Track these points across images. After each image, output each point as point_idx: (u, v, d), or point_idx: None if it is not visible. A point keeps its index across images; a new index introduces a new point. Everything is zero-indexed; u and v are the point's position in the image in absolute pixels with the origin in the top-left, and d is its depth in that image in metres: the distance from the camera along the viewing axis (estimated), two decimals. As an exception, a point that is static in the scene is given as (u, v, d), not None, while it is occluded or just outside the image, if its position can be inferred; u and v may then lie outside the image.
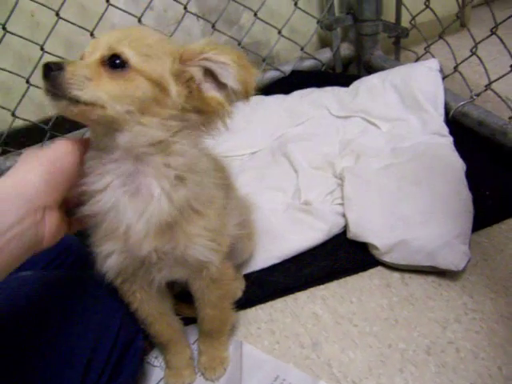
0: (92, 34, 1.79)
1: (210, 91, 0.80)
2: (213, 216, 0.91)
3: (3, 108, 1.79)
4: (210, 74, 0.79)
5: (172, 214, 0.84)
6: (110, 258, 0.90)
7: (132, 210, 0.83)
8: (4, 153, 1.88)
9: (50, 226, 0.76)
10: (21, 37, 1.70)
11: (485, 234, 1.39)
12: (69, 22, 1.74)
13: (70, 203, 0.84)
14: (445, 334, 1.16)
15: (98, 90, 0.73)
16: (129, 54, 0.75)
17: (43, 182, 0.74)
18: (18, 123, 1.84)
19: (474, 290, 1.24)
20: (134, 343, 1.07)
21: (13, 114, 1.80)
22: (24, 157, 0.79)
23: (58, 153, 0.78)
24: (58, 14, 1.73)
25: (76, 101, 0.73)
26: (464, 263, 1.26)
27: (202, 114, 0.82)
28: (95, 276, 0.94)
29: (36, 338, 0.90)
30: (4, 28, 1.68)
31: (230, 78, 0.77)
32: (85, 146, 0.82)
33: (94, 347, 0.97)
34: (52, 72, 0.72)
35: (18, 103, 1.78)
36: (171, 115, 0.79)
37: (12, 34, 1.68)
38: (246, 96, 0.80)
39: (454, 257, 1.26)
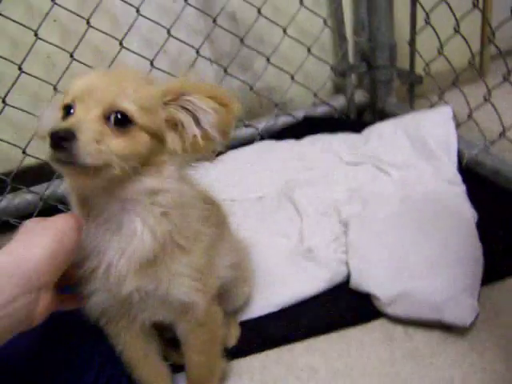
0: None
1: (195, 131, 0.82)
2: (198, 253, 0.89)
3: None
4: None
5: (155, 250, 0.83)
6: (91, 298, 0.87)
7: (113, 249, 0.82)
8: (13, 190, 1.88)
9: (44, 305, 0.73)
10: (36, 77, 1.73)
11: (497, 288, 1.31)
12: (83, 63, 1.77)
13: (62, 281, 0.81)
14: (449, 394, 1.08)
15: (108, 152, 0.74)
16: (132, 110, 0.76)
17: (45, 262, 0.71)
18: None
19: (483, 349, 1.16)
20: (120, 381, 1.03)
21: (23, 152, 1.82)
22: (27, 226, 0.77)
23: (63, 228, 0.76)
24: (72, 56, 1.76)
25: (88, 166, 0.72)
26: (472, 318, 1.18)
27: (190, 152, 0.83)
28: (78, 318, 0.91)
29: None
30: (20, 68, 1.71)
31: (208, 124, 0.80)
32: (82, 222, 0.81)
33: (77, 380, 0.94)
34: (64, 142, 0.70)
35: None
36: (165, 161, 0.82)
37: (28, 74, 1.72)
38: (223, 140, 0.83)
39: (460, 311, 1.19)
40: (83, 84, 0.79)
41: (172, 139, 0.82)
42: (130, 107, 0.76)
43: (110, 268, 0.83)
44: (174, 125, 0.82)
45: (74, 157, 0.71)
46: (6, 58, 1.68)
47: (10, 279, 0.66)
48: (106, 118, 0.75)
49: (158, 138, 0.80)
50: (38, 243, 0.72)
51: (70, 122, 0.74)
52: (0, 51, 1.70)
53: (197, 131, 0.81)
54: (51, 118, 0.84)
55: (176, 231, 0.85)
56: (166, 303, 0.89)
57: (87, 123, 0.74)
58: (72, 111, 0.78)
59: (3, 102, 1.69)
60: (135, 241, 0.82)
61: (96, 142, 0.72)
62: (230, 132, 0.83)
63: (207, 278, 0.92)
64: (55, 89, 1.78)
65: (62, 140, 0.70)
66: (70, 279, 0.84)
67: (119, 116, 0.76)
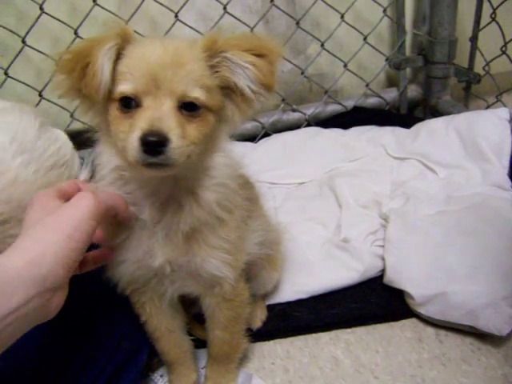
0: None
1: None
2: (233, 226, 0.89)
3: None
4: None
5: (201, 219, 0.83)
6: (121, 267, 0.88)
7: (155, 220, 0.83)
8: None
9: (58, 302, 0.71)
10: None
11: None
12: (138, 33, 1.77)
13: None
14: (477, 404, 1.04)
15: (189, 144, 0.74)
16: (201, 96, 0.75)
17: (59, 264, 0.68)
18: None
19: (518, 361, 1.11)
20: (138, 356, 1.03)
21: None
22: (39, 206, 0.75)
23: (78, 217, 0.71)
24: (127, 24, 1.76)
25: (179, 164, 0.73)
26: (509, 329, 1.14)
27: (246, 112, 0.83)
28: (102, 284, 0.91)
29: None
30: (75, 32, 1.73)
31: (249, 80, 0.77)
32: (103, 208, 0.76)
33: (90, 353, 0.95)
34: (162, 148, 0.70)
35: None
36: (220, 135, 0.83)
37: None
38: (268, 92, 0.80)
39: (497, 320, 1.14)
40: (146, 73, 0.73)
41: (229, 107, 0.81)
42: (200, 95, 0.75)
43: (146, 239, 0.83)
44: (226, 88, 0.79)
45: (168, 160, 0.71)
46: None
47: (24, 283, 0.65)
48: (180, 107, 0.74)
49: (219, 110, 0.80)
50: (51, 243, 0.68)
51: (149, 120, 0.71)
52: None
53: (248, 87, 0.77)
54: (108, 71, 0.75)
55: (221, 202, 0.85)
56: (196, 276, 0.89)
57: (169, 120, 0.72)
58: (134, 104, 0.74)
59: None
60: (182, 213, 0.82)
61: (182, 138, 0.72)
62: (274, 83, 0.78)
63: (238, 252, 0.92)
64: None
65: (158, 145, 0.70)
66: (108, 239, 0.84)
67: (191, 103, 0.75)
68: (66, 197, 0.78)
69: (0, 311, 0.62)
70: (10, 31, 1.68)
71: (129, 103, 0.75)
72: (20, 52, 1.71)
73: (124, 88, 0.74)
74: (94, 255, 0.85)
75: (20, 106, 1.15)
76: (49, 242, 0.69)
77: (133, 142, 0.70)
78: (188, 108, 0.75)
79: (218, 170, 0.83)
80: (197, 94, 0.74)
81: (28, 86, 1.76)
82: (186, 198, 0.82)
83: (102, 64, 0.73)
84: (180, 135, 0.72)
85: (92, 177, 0.92)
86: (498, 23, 1.77)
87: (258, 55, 0.76)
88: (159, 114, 0.72)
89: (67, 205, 0.74)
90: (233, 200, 0.88)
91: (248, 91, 0.77)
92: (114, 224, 0.83)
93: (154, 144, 0.69)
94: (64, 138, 1.22)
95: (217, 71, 0.78)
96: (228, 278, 0.90)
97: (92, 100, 0.77)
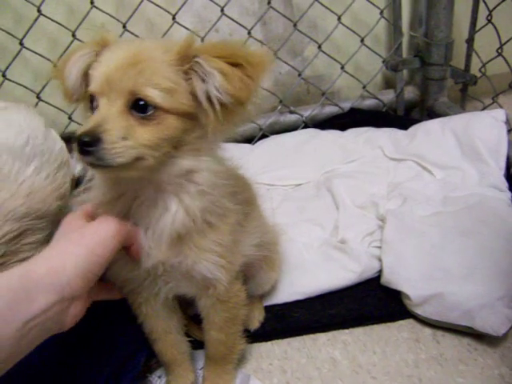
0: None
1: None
2: (225, 230, 0.88)
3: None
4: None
5: (186, 226, 0.82)
6: (115, 266, 0.87)
7: (144, 223, 0.83)
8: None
9: (74, 313, 0.74)
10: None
11: (535, 301, 1.26)
12: (135, 35, 1.78)
13: None
14: (473, 404, 1.04)
15: (137, 146, 0.71)
16: (154, 95, 0.71)
17: (79, 275, 0.71)
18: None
19: (515, 362, 1.12)
20: (136, 357, 1.03)
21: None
22: (66, 226, 0.79)
23: (102, 235, 0.75)
24: (125, 26, 1.77)
25: (120, 165, 0.71)
26: (505, 329, 1.14)
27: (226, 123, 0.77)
28: None
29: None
30: (73, 35, 1.74)
31: (215, 89, 0.71)
32: (125, 232, 0.80)
33: (88, 355, 0.95)
34: (90, 147, 0.69)
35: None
36: (200, 139, 0.78)
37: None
38: (240, 106, 0.74)
39: (494, 320, 1.14)
40: (102, 74, 0.74)
41: (203, 113, 0.75)
42: (150, 93, 0.71)
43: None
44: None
45: (102, 160, 0.70)
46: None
47: (46, 289, 0.68)
48: (130, 108, 0.72)
49: (188, 115, 0.75)
50: (73, 255, 0.72)
51: (94, 121, 0.71)
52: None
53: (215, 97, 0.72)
54: (74, 76, 0.79)
55: (208, 209, 0.84)
56: (188, 277, 0.89)
57: (111, 121, 0.71)
58: (95, 104, 0.75)
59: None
60: (167, 217, 0.81)
61: (122, 139, 0.70)
62: (246, 97, 0.72)
63: (232, 255, 0.91)
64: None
65: (87, 145, 0.69)
66: None
67: (142, 103, 0.72)
68: (91, 218, 0.82)
69: (24, 315, 0.65)
70: (8, 33, 1.69)
71: (93, 102, 0.76)
72: (18, 54, 1.71)
73: (89, 89, 0.77)
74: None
75: (23, 105, 1.14)
76: (71, 254, 0.72)
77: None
78: (139, 109, 0.72)
79: (202, 176, 0.80)
80: (147, 93, 0.71)
81: (26, 88, 1.76)
82: (172, 203, 0.81)
83: (69, 70, 0.78)
84: (119, 136, 0.70)
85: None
86: (493, 25, 1.77)
87: (233, 64, 0.72)
88: (104, 114, 0.72)
89: (93, 223, 0.78)
90: (223, 205, 0.87)
91: (215, 100, 0.72)
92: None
93: (82, 144, 0.69)
94: (57, 135, 1.21)
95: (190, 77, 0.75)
96: (221, 280, 0.90)
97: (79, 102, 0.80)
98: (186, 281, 0.90)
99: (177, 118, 0.74)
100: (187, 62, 0.73)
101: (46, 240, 0.83)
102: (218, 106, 0.73)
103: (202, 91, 0.73)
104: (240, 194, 0.93)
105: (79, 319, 0.78)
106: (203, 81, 0.72)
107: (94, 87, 0.75)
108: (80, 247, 0.73)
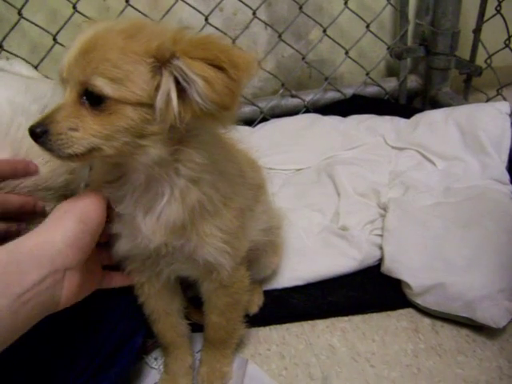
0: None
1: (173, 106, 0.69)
2: (229, 216, 0.85)
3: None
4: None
5: (182, 217, 0.80)
6: (118, 243, 0.86)
7: (142, 205, 0.81)
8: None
9: (69, 288, 0.73)
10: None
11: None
12: (137, 10, 1.74)
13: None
14: (471, 395, 1.04)
15: (88, 137, 0.70)
16: (101, 85, 0.67)
17: (69, 244, 0.72)
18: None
19: (513, 354, 1.12)
20: (133, 338, 1.02)
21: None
22: (55, 210, 0.78)
23: (87, 208, 0.76)
24: (127, 1, 1.73)
25: (73, 155, 0.71)
26: (505, 321, 1.14)
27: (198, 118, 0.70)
28: None
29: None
30: (74, 7, 1.69)
31: (197, 96, 0.66)
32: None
33: (86, 335, 0.93)
34: (39, 139, 0.70)
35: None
36: (164, 127, 0.71)
37: (82, 14, 1.69)
38: (225, 113, 0.69)
39: (494, 312, 1.14)
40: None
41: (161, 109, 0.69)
42: (97, 82, 0.67)
43: (140, 222, 0.81)
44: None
45: (51, 149, 0.70)
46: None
47: (37, 261, 0.68)
48: (82, 97, 0.70)
49: (145, 106, 0.69)
50: (61, 226, 0.72)
51: (48, 112, 0.71)
52: None
53: (175, 107, 0.68)
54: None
55: (206, 198, 0.81)
56: (191, 260, 0.87)
57: (62, 111, 0.70)
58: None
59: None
60: (161, 204, 0.79)
61: (70, 130, 0.69)
62: (231, 102, 0.67)
63: (237, 241, 0.89)
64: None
65: (36, 136, 0.70)
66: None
67: (91, 95, 0.69)
68: None
69: (17, 289, 0.64)
70: (7, 2, 1.64)
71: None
72: (16, 24, 1.67)
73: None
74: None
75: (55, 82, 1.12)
76: (58, 226, 0.73)
77: None
78: (91, 99, 0.69)
79: (184, 167, 0.77)
80: (94, 82, 0.67)
81: (23, 59, 1.71)
82: (165, 192, 0.79)
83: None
84: (65, 127, 0.69)
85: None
86: (502, 16, 1.75)
87: (216, 67, 0.65)
88: (60, 104, 0.71)
89: (76, 198, 0.79)
90: (227, 193, 0.84)
91: (196, 107, 0.67)
92: None
93: (31, 133, 0.70)
94: None
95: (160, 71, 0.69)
96: (225, 266, 0.88)
97: None
98: (189, 263, 0.88)
99: (132, 108, 0.69)
100: (162, 58, 0.68)
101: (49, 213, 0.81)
102: (176, 109, 0.68)
103: (164, 92, 0.68)
104: (252, 179, 0.91)
105: (78, 299, 0.77)
106: (178, 83, 0.67)
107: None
108: (67, 219, 0.73)
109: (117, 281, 0.92)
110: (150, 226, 0.80)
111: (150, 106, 0.69)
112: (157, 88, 0.68)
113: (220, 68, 0.65)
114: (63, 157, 0.71)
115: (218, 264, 0.88)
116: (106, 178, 0.82)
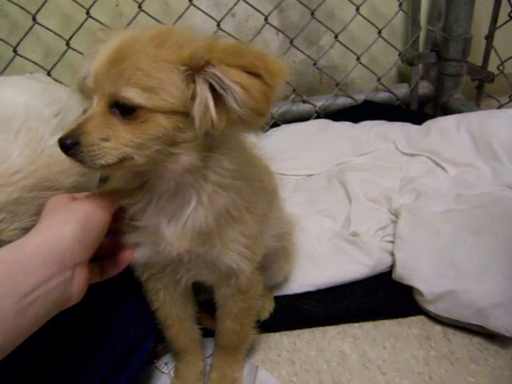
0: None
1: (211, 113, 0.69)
2: (252, 222, 0.86)
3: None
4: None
5: (209, 223, 0.80)
6: (137, 250, 0.86)
7: (167, 212, 0.81)
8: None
9: (79, 282, 0.73)
10: (102, 23, 1.72)
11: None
12: (150, 15, 1.74)
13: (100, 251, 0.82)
14: (484, 404, 1.03)
15: (120, 147, 0.70)
16: (133, 96, 0.67)
17: (77, 241, 0.71)
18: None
19: (527, 364, 1.11)
20: (144, 343, 1.02)
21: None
22: (51, 204, 0.77)
23: (93, 207, 0.76)
24: (140, 7, 1.74)
25: (105, 165, 0.71)
26: (519, 330, 1.13)
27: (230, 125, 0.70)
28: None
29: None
30: (88, 13, 1.70)
31: (235, 103, 0.66)
32: (114, 200, 0.80)
33: (98, 338, 0.93)
34: (70, 151, 0.69)
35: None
36: (200, 135, 0.71)
37: (95, 19, 1.70)
38: (259, 118, 0.69)
39: (507, 320, 1.13)
40: (93, 71, 0.72)
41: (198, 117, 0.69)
42: (128, 94, 0.67)
43: (163, 230, 0.81)
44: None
45: (83, 161, 0.70)
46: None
47: (44, 260, 0.66)
48: (112, 107, 0.70)
49: (178, 114, 0.70)
50: (68, 223, 0.72)
51: (78, 122, 0.71)
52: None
53: (213, 115, 0.67)
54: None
55: (232, 205, 0.81)
56: (212, 266, 0.87)
57: (92, 122, 0.70)
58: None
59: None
60: (187, 210, 0.79)
61: (102, 141, 0.69)
62: (266, 109, 0.67)
63: (256, 246, 0.90)
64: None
65: (67, 148, 0.69)
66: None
67: (122, 105, 0.69)
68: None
69: (22, 288, 0.63)
70: (21, 8, 1.66)
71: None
72: (30, 30, 1.68)
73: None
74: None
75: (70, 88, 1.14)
76: (66, 223, 0.72)
77: None
78: (121, 109, 0.69)
79: (213, 174, 0.77)
80: (125, 94, 0.68)
81: (36, 64, 1.74)
82: (192, 198, 0.79)
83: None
84: (99, 138, 0.69)
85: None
86: (515, 22, 1.75)
87: (252, 74, 0.65)
88: (89, 114, 0.71)
89: (82, 197, 0.79)
90: (249, 199, 0.84)
91: (234, 115, 0.67)
92: None
93: (62, 147, 0.70)
94: None
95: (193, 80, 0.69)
96: (245, 271, 0.88)
97: None
98: (209, 269, 0.89)
99: (164, 116, 0.69)
100: (196, 66, 0.68)
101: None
102: (214, 117, 0.68)
103: (201, 100, 0.68)
104: (268, 184, 0.91)
105: (84, 292, 0.76)
106: (214, 90, 0.67)
107: (88, 84, 0.73)
108: (74, 217, 0.73)
109: (106, 273, 0.87)
110: (174, 232, 0.80)
111: (183, 113, 0.70)
112: (192, 96, 0.68)
113: (256, 75, 0.65)
114: (95, 168, 0.71)
115: (239, 269, 0.88)
116: (126, 187, 0.82)
